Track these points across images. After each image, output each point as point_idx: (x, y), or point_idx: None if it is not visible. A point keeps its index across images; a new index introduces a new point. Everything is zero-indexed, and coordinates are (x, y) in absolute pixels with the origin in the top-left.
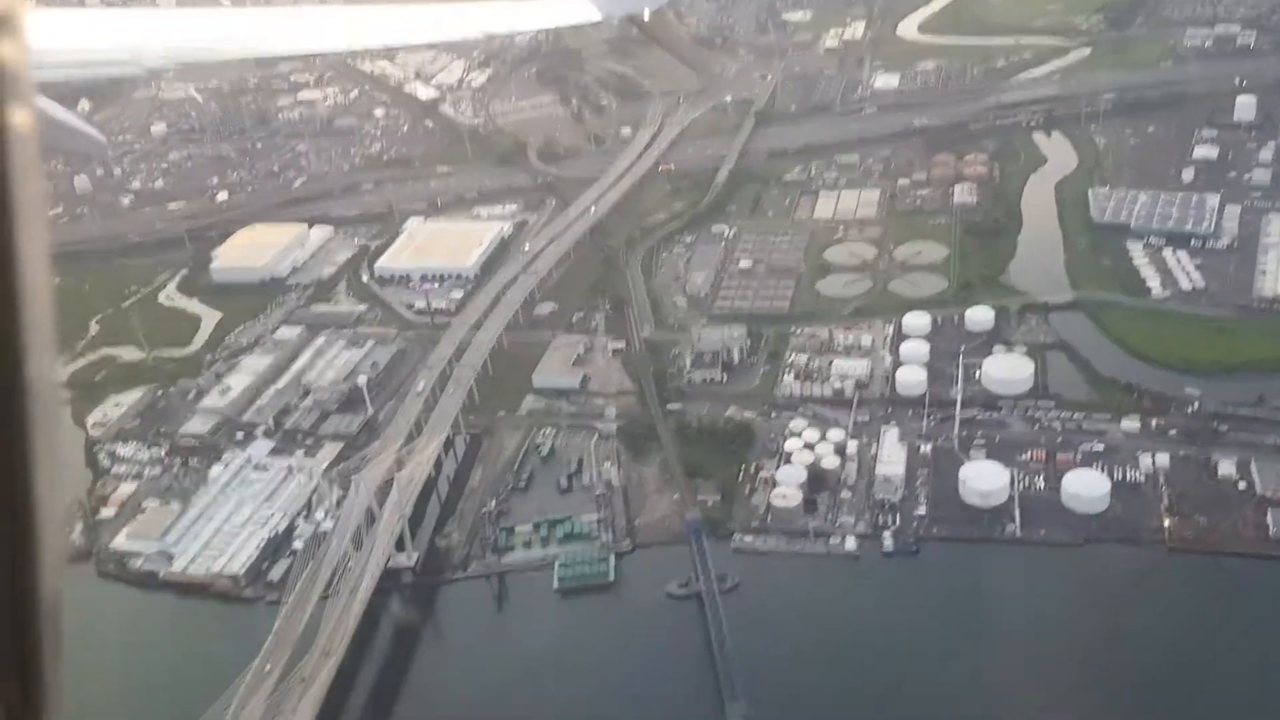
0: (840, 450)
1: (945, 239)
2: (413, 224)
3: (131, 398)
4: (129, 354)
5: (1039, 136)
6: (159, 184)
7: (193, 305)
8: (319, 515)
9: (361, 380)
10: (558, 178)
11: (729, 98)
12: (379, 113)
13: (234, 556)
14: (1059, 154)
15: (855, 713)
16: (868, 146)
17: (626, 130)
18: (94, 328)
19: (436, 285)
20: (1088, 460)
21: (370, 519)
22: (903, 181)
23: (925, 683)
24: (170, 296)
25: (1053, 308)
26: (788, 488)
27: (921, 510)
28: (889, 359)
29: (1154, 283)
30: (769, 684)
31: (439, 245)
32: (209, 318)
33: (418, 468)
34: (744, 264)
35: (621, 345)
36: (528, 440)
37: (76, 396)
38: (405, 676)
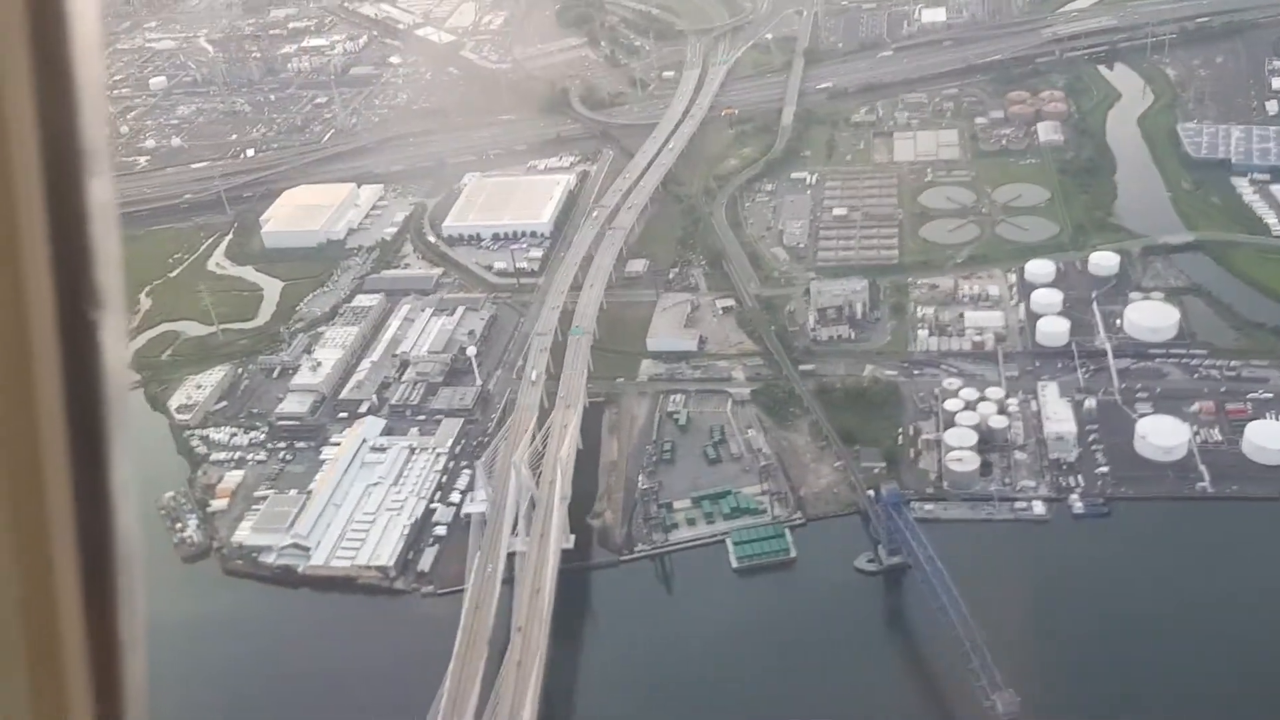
0: (1003, 408)
1: (1041, 180)
2: (470, 179)
3: (213, 378)
4: (193, 328)
5: (1103, 69)
6: (175, 142)
7: (247, 273)
8: (457, 498)
9: (471, 351)
10: (609, 125)
11: (769, 35)
12: (395, 60)
13: (378, 546)
14: (1129, 87)
15: (1141, 700)
16: (930, 84)
17: (669, 73)
18: (145, 300)
19: (524, 246)
20: (1259, 410)
21: (530, 502)
22: (980, 120)
23: (1200, 659)
24: (220, 264)
25: (1173, 249)
26: (961, 450)
27: (1103, 469)
28: (1021, 309)
29: (1271, 220)
30: (1018, 666)
31: (505, 201)
32: (270, 286)
33: (568, 445)
34: (838, 211)
35: (731, 303)
36: (658, 408)
37: (149, 378)
38: (621, 668)
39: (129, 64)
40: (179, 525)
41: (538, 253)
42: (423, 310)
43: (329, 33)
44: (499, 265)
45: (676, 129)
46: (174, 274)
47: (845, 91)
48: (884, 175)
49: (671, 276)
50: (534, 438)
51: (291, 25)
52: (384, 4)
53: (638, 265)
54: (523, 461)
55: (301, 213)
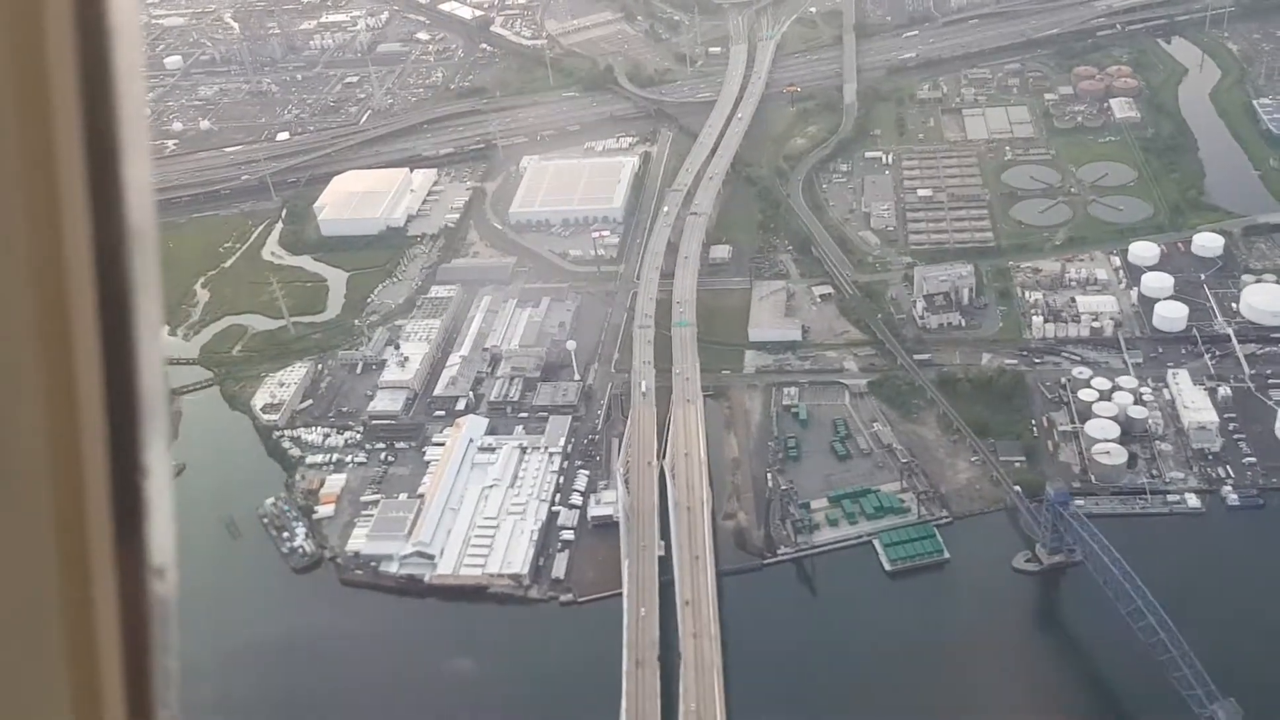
0: (1139, 398)
1: (1124, 158)
2: (530, 163)
3: (294, 375)
4: (259, 321)
5: (1160, 43)
6: (204, 125)
7: (305, 262)
8: (578, 500)
9: (570, 345)
10: (662, 103)
11: (813, 9)
12: (423, 36)
13: (507, 553)
14: (1193, 62)
15: None
16: (989, 59)
17: (715, 48)
18: (202, 292)
19: (601, 231)
20: None
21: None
22: (1049, 97)
23: None
24: (275, 253)
25: (1275, 228)
26: (1106, 442)
27: (1250, 458)
28: (1133, 293)
29: None
30: (1224, 672)
31: (572, 185)
32: (333, 276)
33: (703, 445)
34: (923, 192)
35: (828, 290)
36: (772, 402)
37: (223, 375)
38: (797, 678)
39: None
40: (285, 534)
41: (613, 239)
42: (505, 301)
43: (348, 7)
44: (574, 252)
45: (736, 107)
46: (228, 264)
47: (903, 67)
48: (962, 154)
49: (758, 263)
50: (660, 436)
51: (306, 0)
52: None
53: (721, 251)
54: (667, 464)
55: (357, 199)
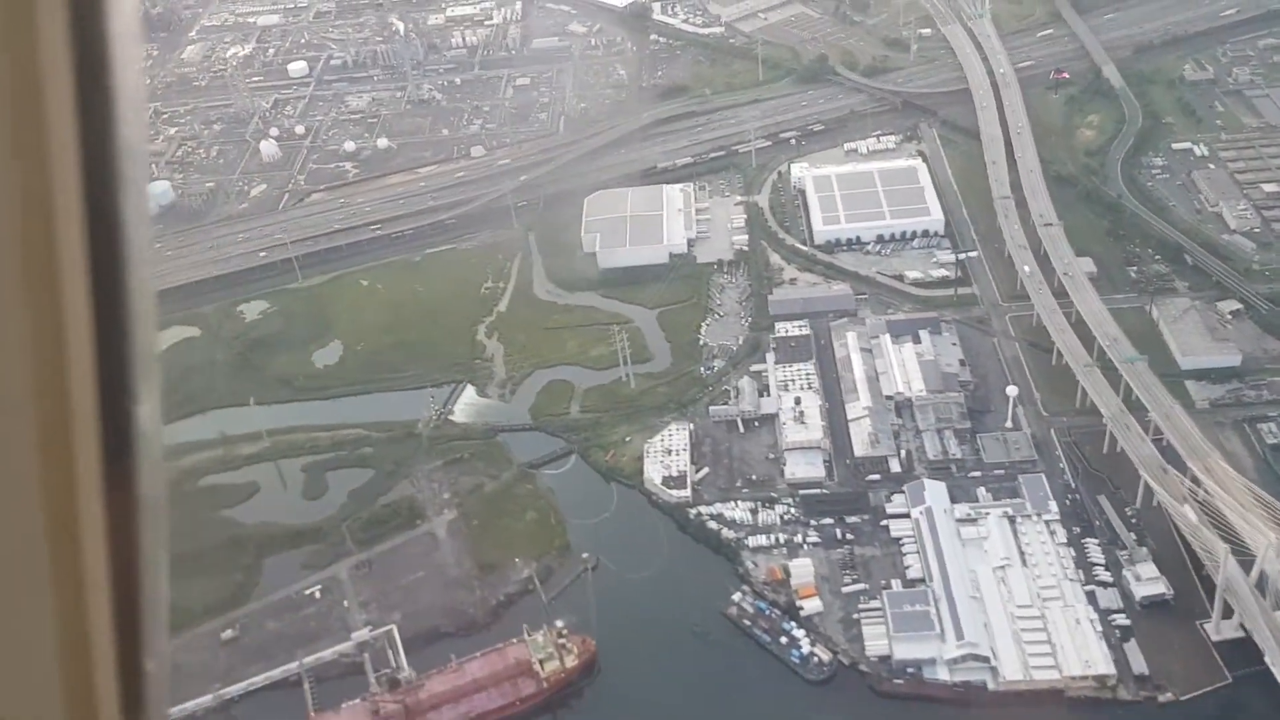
0: None
1: None
2: (803, 171)
3: (674, 439)
4: (580, 375)
5: None
6: (382, 143)
7: (592, 300)
8: (1105, 576)
9: (1011, 390)
10: (903, 95)
11: None
12: (577, 28)
13: (1079, 649)
14: None
15: None
16: (1233, 33)
17: (924, 30)
18: (491, 343)
19: (976, 252)
20: None
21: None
22: None
23: None
24: (550, 291)
25: None
26: None
27: None
28: None
29: None
30: None
31: (870, 196)
32: (635, 315)
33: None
34: (1269, 188)
35: (1236, 305)
36: (1256, 442)
37: (582, 442)
38: None
39: (234, 41)
40: (783, 639)
41: (949, 255)
42: (873, 338)
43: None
44: (912, 274)
45: (999, 98)
46: (502, 307)
47: (1149, 45)
48: (1276, 142)
49: (1132, 277)
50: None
51: None
52: None
53: (1084, 264)
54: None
55: (626, 224)
